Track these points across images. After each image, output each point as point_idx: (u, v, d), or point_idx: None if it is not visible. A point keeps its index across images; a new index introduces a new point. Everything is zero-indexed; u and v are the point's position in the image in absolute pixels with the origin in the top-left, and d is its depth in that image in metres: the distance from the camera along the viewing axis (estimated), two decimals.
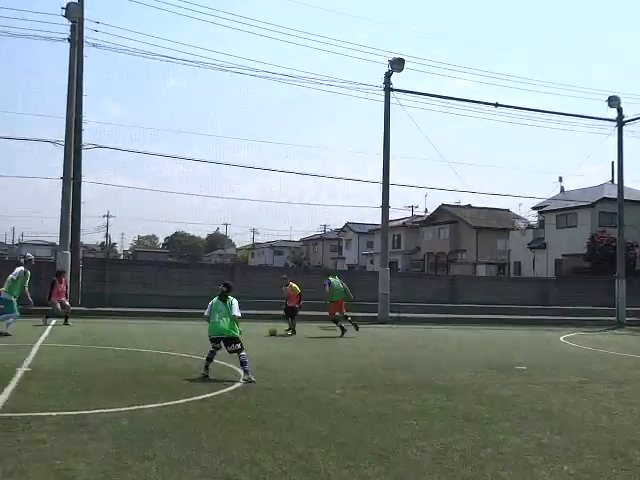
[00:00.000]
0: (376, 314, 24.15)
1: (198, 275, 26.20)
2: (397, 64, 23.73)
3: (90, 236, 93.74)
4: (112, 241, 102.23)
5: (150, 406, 6.86)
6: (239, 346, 9.11)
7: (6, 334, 13.21)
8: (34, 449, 5.01)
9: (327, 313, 18.09)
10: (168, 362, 10.61)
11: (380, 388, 8.76)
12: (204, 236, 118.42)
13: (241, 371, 8.98)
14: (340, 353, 13.06)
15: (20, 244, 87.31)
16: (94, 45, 22.53)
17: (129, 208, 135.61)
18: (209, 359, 9.20)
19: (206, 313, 9.41)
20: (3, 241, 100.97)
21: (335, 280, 17.94)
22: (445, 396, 8.20)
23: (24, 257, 16.15)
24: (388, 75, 24.09)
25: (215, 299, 9.43)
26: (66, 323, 16.93)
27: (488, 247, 50.84)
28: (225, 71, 24.96)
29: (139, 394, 7.55)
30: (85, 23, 22.42)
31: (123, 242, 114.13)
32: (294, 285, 17.48)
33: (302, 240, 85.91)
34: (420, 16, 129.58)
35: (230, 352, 9.22)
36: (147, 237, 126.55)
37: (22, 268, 14.83)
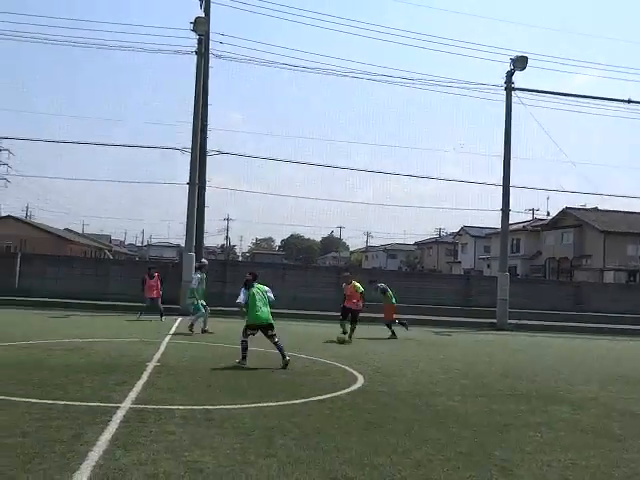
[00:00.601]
0: (494, 320, 23.44)
1: (313, 277, 26.66)
2: (519, 62, 22.94)
3: (211, 238, 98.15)
4: (231, 243, 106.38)
5: (270, 404, 7.05)
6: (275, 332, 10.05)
7: (207, 331, 15.03)
8: (164, 440, 5.28)
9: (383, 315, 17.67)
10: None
11: (500, 397, 8.46)
12: (319, 239, 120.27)
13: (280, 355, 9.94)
14: (456, 359, 12.75)
15: (149, 246, 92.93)
16: (219, 56, 23.58)
17: (248, 212, 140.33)
18: (246, 348, 9.93)
19: (242, 301, 10.05)
20: (134, 242, 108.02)
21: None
22: (571, 409, 7.79)
23: (200, 263, 17.47)
24: (510, 74, 23.35)
25: (254, 289, 10.14)
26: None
27: (617, 253, 47.74)
28: (343, 76, 25.21)
29: (259, 392, 7.78)
30: (211, 36, 23.51)
31: (242, 244, 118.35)
32: (357, 284, 16.11)
33: (416, 243, 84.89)
34: (527, 11, 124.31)
35: (269, 337, 10.05)
36: (264, 240, 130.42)
37: (199, 275, 16.11)
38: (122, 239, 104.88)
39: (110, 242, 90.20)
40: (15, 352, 10.09)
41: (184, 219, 22.98)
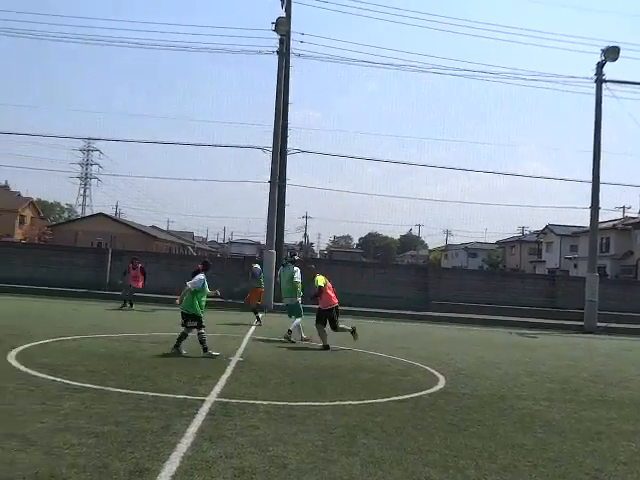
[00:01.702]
0: (582, 323, 22.53)
1: (392, 275, 26.49)
2: (611, 53, 21.96)
3: (290, 236, 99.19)
4: (310, 241, 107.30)
5: (351, 402, 7.05)
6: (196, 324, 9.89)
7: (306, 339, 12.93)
8: (249, 434, 5.39)
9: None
10: (366, 360, 10.82)
11: (590, 403, 8.12)
12: (397, 237, 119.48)
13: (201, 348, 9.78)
14: (541, 361, 12.33)
15: (230, 243, 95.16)
16: (299, 55, 23.84)
17: (326, 209, 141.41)
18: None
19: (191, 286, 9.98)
20: (215, 239, 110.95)
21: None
22: None
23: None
24: (600, 65, 22.38)
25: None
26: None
27: None
28: (424, 72, 24.98)
29: (340, 390, 7.81)
30: (292, 35, 23.79)
31: (320, 242, 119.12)
32: (317, 277, 12.61)
33: (498, 242, 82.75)
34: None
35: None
36: (342, 237, 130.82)
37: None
38: (204, 236, 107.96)
39: (193, 239, 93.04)
40: (108, 344, 10.57)
41: (265, 217, 23.37)
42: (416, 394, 7.84)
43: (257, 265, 17.87)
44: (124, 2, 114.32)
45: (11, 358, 8.38)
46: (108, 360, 8.78)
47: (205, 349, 9.76)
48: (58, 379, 7.17)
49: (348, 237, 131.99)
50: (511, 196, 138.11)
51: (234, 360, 9.61)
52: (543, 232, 69.46)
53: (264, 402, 6.71)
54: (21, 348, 9.24)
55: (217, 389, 7.25)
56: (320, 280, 12.35)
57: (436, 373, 9.68)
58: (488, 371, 10.43)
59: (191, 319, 9.89)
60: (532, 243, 74.80)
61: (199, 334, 9.86)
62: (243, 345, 11.66)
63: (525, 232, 78.89)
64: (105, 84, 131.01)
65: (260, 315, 16.54)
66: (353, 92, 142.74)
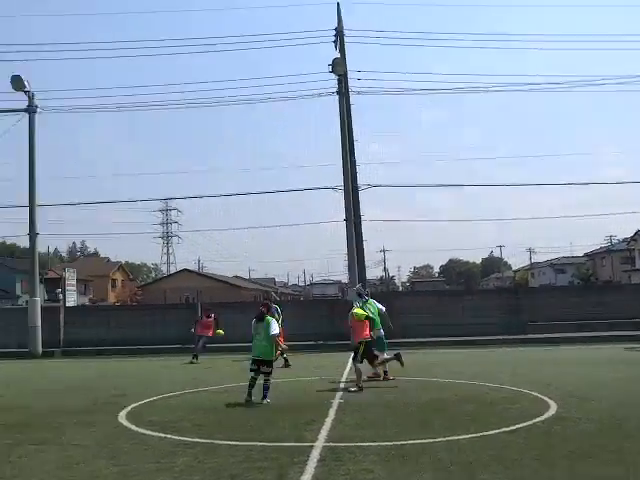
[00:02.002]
0: None
1: (480, 301, 25.79)
2: None
3: (369, 271, 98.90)
4: (390, 274, 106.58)
5: (463, 437, 6.82)
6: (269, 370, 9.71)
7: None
8: (363, 478, 5.29)
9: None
10: (468, 391, 10.49)
11: None
12: (478, 261, 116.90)
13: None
14: None
15: (311, 284, 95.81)
16: (358, 93, 24.13)
17: (403, 241, 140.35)
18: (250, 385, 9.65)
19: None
20: (296, 282, 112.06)
21: None
22: None
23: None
24: None
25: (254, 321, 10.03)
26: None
27: None
28: (510, 91, 24.73)
29: (448, 424, 7.58)
30: (349, 74, 24.17)
31: (400, 274, 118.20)
32: (357, 310, 11.82)
33: (586, 255, 79.45)
34: None
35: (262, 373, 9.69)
36: (422, 267, 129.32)
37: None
38: (285, 280, 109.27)
39: (275, 284, 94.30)
40: (211, 397, 10.73)
41: (341, 255, 23.46)
42: (528, 422, 7.50)
43: (275, 305, 17.71)
44: (180, 64, 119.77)
45: (122, 418, 8.64)
46: (213, 413, 8.90)
47: (265, 396, 9.56)
48: (168, 435, 7.32)
49: (428, 266, 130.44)
50: (594, 206, 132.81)
51: (335, 402, 9.53)
52: (633, 239, 66.17)
53: (372, 443, 6.59)
54: (129, 408, 9.51)
55: (324, 433, 7.19)
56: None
57: (545, 398, 9.25)
58: (601, 391, 9.88)
59: (267, 365, 9.79)
60: (623, 252, 71.32)
61: (267, 380, 9.71)
62: (341, 386, 11.55)
63: (613, 241, 75.46)
64: (175, 144, 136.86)
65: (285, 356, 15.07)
66: (417, 121, 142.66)
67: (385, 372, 12.20)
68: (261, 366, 9.70)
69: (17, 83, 23.17)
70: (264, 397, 9.51)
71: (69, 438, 7.34)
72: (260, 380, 9.67)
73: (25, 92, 23.62)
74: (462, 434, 6.94)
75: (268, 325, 9.84)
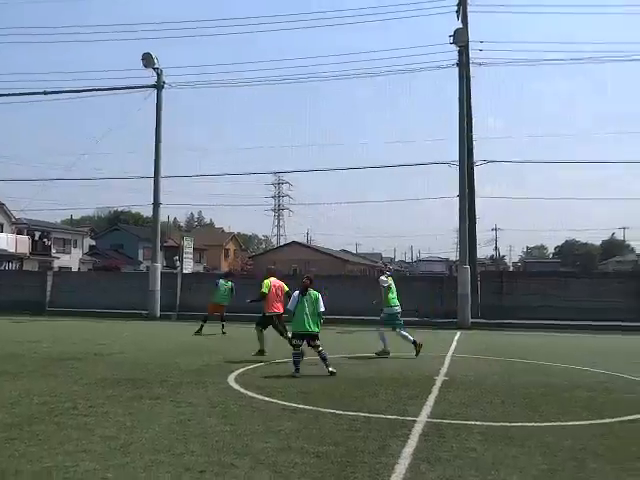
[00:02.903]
0: None
1: (600, 285, 24.44)
2: None
3: (480, 250, 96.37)
4: (501, 254, 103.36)
5: (573, 423, 6.56)
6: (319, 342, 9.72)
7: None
8: (467, 457, 5.21)
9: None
10: (582, 377, 10.04)
11: None
12: (598, 243, 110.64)
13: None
14: None
15: (418, 261, 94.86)
16: (479, 64, 23.33)
17: (516, 220, 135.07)
18: (299, 361, 9.60)
19: (290, 308, 9.92)
20: (403, 259, 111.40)
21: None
22: None
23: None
24: None
25: (306, 296, 9.84)
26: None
27: None
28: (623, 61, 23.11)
29: (557, 409, 7.31)
30: (470, 45, 23.38)
31: (511, 254, 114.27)
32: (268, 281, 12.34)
33: None
34: None
35: (312, 346, 9.74)
36: (536, 247, 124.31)
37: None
38: (392, 256, 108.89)
39: (381, 259, 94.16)
40: (314, 366, 10.96)
41: (450, 231, 23.06)
42: None
43: (221, 279, 18.53)
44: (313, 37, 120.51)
45: (231, 381, 9.03)
46: (317, 382, 9.09)
47: (329, 365, 9.75)
48: (274, 400, 7.57)
49: (542, 247, 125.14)
50: None
51: (439, 379, 9.45)
52: None
53: (477, 423, 6.48)
54: (238, 372, 9.92)
55: (427, 409, 7.16)
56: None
57: None
58: None
59: (316, 338, 9.83)
60: None
61: (322, 351, 9.83)
62: (446, 363, 11.43)
63: None
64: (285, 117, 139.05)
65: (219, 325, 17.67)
66: (538, 93, 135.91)
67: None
68: (310, 341, 9.77)
69: (148, 60, 24.42)
70: (328, 366, 9.64)
71: (183, 396, 7.77)
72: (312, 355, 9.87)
73: (154, 69, 24.86)
74: (573, 421, 6.67)
75: (317, 300, 9.89)
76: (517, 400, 7.89)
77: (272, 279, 12.43)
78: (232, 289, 18.08)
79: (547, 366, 11.33)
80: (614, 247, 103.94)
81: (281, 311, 12.18)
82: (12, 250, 46.41)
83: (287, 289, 12.29)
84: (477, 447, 5.52)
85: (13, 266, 46.40)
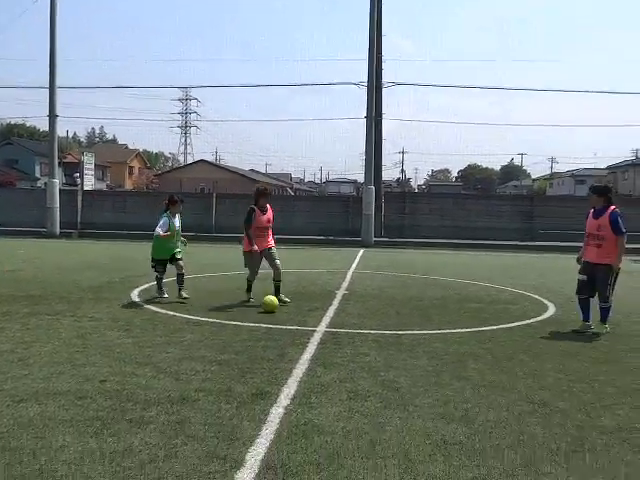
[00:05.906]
0: None
1: (495, 207, 25.77)
2: None
3: (386, 172, 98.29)
4: (407, 176, 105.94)
5: (459, 330, 7.08)
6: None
7: None
8: (360, 361, 5.55)
9: None
10: (473, 290, 10.74)
11: None
12: (497, 168, 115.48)
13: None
14: None
15: (327, 182, 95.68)
16: None
17: (423, 143, 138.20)
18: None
19: (162, 232, 8.73)
20: (312, 180, 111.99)
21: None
22: None
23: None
24: None
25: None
26: None
27: None
28: None
29: (447, 319, 7.84)
30: None
31: (417, 177, 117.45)
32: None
33: (608, 167, 78.09)
34: None
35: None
36: (440, 171, 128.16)
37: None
38: (301, 177, 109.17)
39: (291, 180, 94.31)
40: (220, 282, 11.09)
41: (359, 154, 23.33)
42: (525, 321, 7.75)
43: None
44: None
45: (134, 296, 9.00)
46: (221, 296, 9.24)
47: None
48: (178, 314, 7.65)
49: (446, 170, 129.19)
50: (624, 117, 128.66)
51: (339, 293, 9.84)
52: None
53: (372, 331, 6.87)
54: (142, 287, 9.88)
55: (326, 320, 7.49)
56: None
57: (545, 301, 9.48)
58: None
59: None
60: None
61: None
62: (347, 279, 11.87)
63: (639, 155, 73.88)
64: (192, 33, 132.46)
65: None
66: (448, 19, 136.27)
67: None
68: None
69: None
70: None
71: (84, 311, 7.69)
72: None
73: None
74: (460, 328, 7.20)
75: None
76: (411, 311, 8.39)
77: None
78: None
79: (443, 281, 12.01)
80: (513, 172, 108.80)
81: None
82: None
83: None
84: (370, 352, 5.88)
85: None
